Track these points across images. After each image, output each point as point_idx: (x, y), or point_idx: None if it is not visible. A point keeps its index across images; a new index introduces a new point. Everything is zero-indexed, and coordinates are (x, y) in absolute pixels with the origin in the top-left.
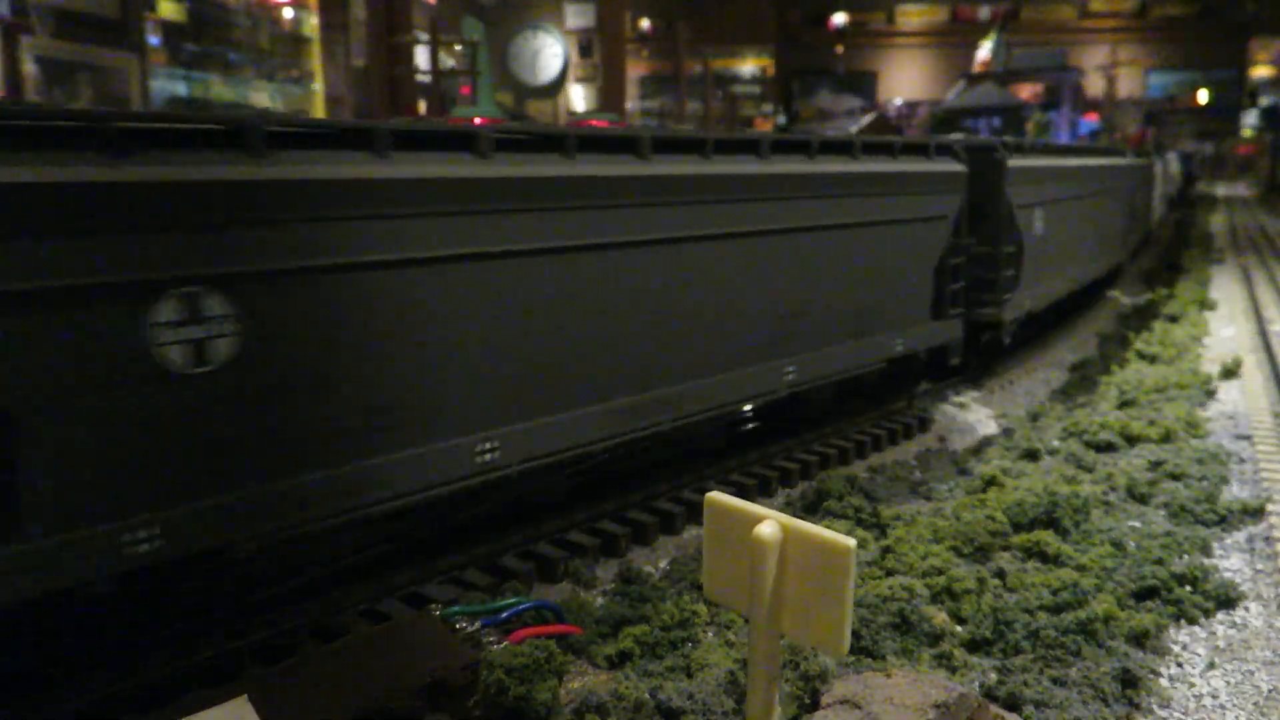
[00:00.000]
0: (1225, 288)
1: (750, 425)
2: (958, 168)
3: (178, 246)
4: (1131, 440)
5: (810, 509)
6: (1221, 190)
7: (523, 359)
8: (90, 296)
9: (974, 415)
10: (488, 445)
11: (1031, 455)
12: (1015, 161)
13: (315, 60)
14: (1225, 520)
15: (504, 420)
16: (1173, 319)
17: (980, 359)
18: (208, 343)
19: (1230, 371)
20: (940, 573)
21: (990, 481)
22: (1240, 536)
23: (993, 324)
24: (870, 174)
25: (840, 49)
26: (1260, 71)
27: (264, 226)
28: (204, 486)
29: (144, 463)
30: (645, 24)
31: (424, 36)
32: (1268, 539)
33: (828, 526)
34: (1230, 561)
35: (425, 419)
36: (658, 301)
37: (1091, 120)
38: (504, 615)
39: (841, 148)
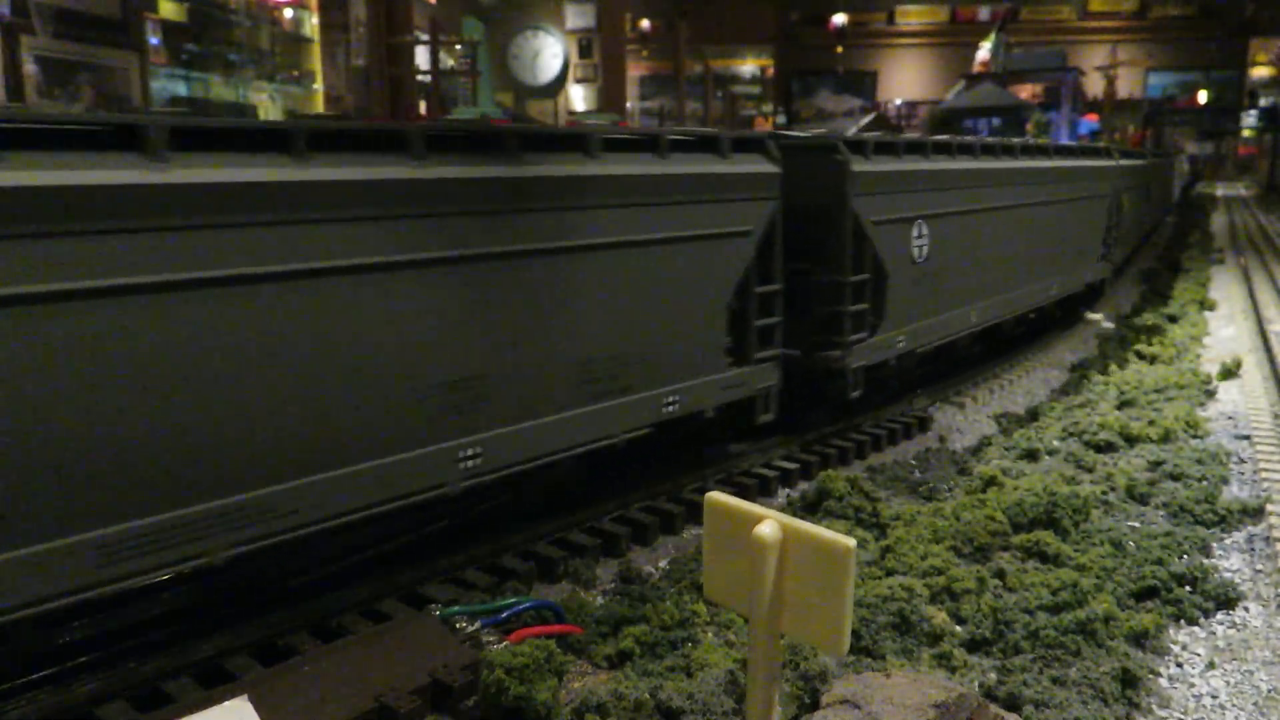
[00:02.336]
0: (1225, 288)
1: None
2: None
3: (917, 201)
4: (1131, 440)
5: (810, 509)
6: (1221, 190)
7: (976, 269)
8: (898, 221)
9: (974, 415)
10: (973, 314)
11: (1031, 455)
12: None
13: (315, 60)
14: (1225, 520)
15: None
16: (1173, 319)
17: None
18: (923, 248)
19: (1230, 371)
20: (940, 573)
21: (990, 481)
22: (1240, 536)
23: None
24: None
25: (840, 49)
26: (1260, 71)
27: (934, 193)
28: (915, 318)
29: (905, 303)
30: (645, 24)
31: (424, 36)
32: (1267, 539)
33: (828, 526)
34: (1230, 561)
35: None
36: (1014, 242)
37: (1091, 121)
38: (504, 615)
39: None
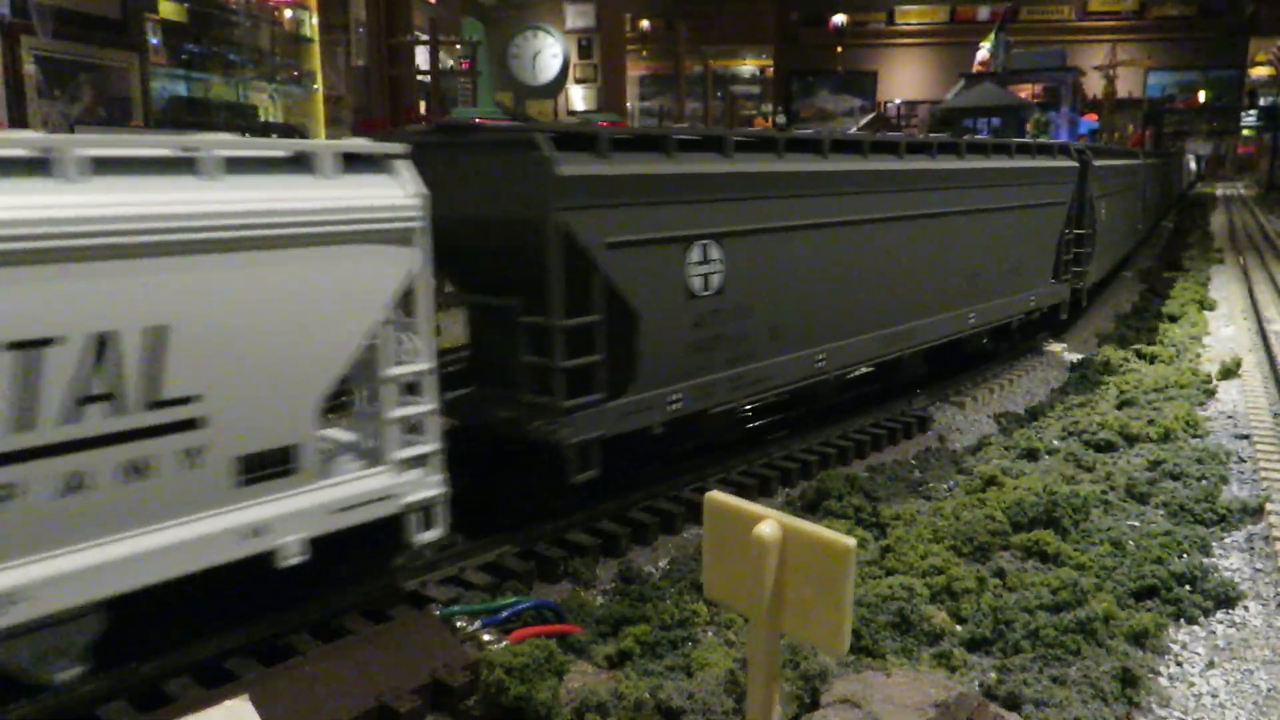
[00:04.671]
0: (1225, 287)
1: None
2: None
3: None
4: (1131, 440)
5: (810, 509)
6: (1221, 190)
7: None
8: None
9: (974, 415)
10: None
11: (1031, 455)
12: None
13: (315, 60)
14: (1224, 520)
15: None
16: (1172, 319)
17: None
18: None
19: (1230, 371)
20: (940, 572)
21: (990, 481)
22: (1239, 536)
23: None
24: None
25: (840, 49)
26: (1260, 71)
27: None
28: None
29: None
30: (645, 24)
31: (424, 36)
32: (1267, 538)
33: (828, 526)
34: (1229, 561)
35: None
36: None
37: (1091, 120)
38: (504, 615)
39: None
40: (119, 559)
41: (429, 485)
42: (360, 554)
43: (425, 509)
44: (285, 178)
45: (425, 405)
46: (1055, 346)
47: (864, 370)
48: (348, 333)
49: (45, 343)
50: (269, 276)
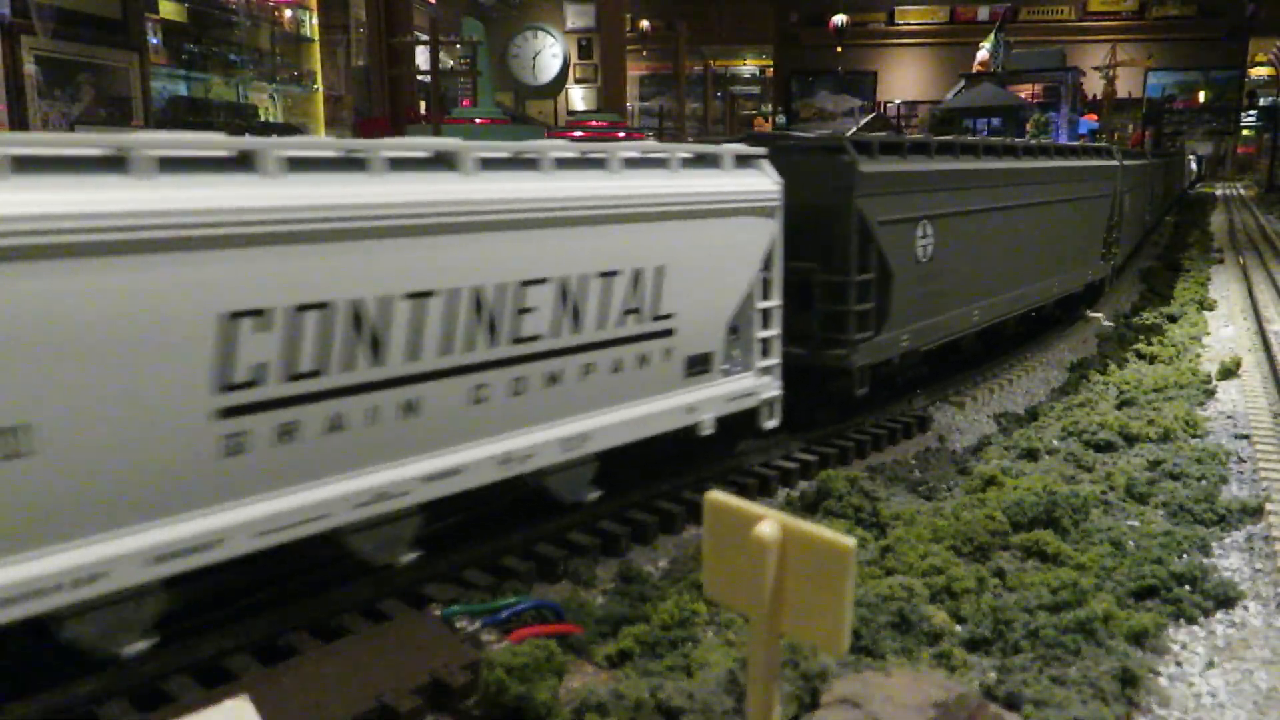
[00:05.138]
0: (1224, 287)
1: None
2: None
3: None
4: (1130, 440)
5: (810, 509)
6: (1221, 190)
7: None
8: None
9: (974, 415)
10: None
11: (1031, 455)
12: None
13: (315, 60)
14: (1224, 520)
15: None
16: (1172, 319)
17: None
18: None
19: (1229, 371)
20: (940, 572)
21: (990, 481)
22: (1239, 536)
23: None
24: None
25: (840, 49)
26: (1260, 71)
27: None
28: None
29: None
30: (645, 24)
31: (424, 37)
32: (1267, 538)
33: (828, 526)
34: (1229, 561)
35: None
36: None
37: (1091, 121)
38: (504, 614)
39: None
40: (636, 418)
41: (774, 387)
42: (727, 436)
43: (770, 404)
44: (706, 170)
45: (774, 331)
46: (1094, 314)
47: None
48: (742, 276)
49: (613, 274)
50: (708, 236)
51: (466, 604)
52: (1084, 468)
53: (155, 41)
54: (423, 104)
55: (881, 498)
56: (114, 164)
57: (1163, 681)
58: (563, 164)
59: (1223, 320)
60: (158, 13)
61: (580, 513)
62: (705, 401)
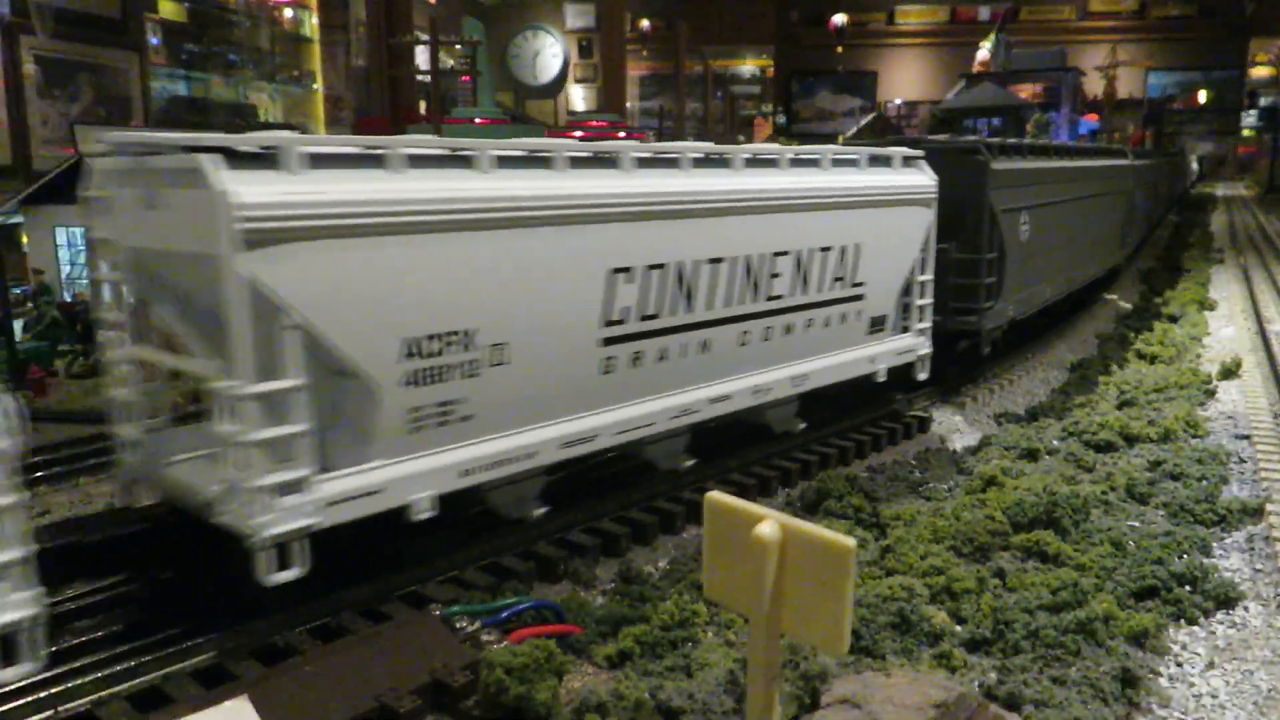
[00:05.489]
0: (1225, 288)
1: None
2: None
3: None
4: (1131, 440)
5: (810, 509)
6: (1222, 190)
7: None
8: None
9: (973, 415)
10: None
11: (1031, 455)
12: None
13: (315, 60)
14: (1225, 520)
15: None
16: (1173, 319)
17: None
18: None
19: (1230, 371)
20: (940, 572)
21: (990, 481)
22: (1240, 536)
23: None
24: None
25: (840, 49)
26: (1260, 71)
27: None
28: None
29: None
30: (645, 24)
31: (424, 36)
32: (1267, 539)
33: (828, 526)
34: (1230, 561)
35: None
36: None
37: (1091, 121)
38: (504, 615)
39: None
40: (837, 364)
41: (926, 346)
42: (882, 389)
43: (923, 360)
44: (883, 168)
45: (928, 299)
46: (1110, 296)
47: (1055, 300)
48: (909, 254)
49: (828, 249)
50: (887, 221)
51: (466, 604)
52: (1084, 468)
53: (155, 41)
54: (423, 104)
55: (881, 498)
56: (539, 162)
57: (1163, 682)
58: (794, 163)
59: (1223, 320)
60: (157, 12)
61: (580, 513)
62: (881, 354)
